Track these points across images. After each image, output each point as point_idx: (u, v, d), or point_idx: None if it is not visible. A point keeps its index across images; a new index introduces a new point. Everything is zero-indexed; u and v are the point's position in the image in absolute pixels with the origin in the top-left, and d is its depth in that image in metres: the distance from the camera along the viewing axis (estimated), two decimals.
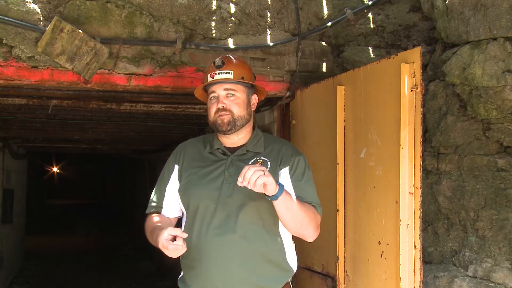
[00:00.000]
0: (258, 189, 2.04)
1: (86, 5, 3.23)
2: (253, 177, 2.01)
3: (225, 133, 2.35)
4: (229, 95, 2.35)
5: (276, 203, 2.15)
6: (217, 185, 2.30)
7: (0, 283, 8.37)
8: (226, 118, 2.32)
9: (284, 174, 2.34)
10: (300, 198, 2.29)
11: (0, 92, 3.74)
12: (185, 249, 2.06)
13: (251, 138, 2.42)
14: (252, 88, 2.45)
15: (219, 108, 2.33)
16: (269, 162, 2.34)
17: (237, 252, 2.23)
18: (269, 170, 2.27)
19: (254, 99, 2.46)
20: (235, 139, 2.40)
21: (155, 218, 2.41)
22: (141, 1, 3.33)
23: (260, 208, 2.26)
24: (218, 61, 2.38)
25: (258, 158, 2.36)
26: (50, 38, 3.09)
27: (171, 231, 2.07)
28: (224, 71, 2.35)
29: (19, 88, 3.52)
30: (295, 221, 2.23)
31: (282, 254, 2.35)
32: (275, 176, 2.27)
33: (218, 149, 2.41)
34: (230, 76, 2.35)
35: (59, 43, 3.10)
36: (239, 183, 2.04)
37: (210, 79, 2.37)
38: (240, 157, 2.37)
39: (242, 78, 2.37)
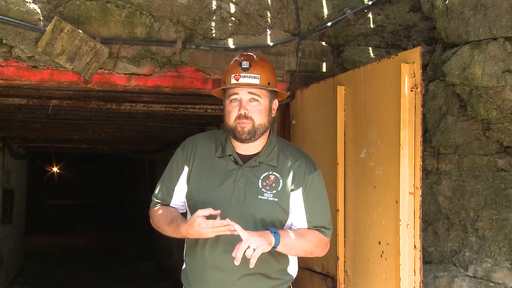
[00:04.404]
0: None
1: (86, 5, 3.24)
2: (247, 256, 2.00)
3: (242, 141, 2.26)
4: (252, 100, 2.23)
5: (277, 249, 2.16)
6: (226, 198, 2.23)
7: (0, 283, 8.36)
8: (247, 127, 2.21)
9: (297, 196, 2.28)
10: (310, 223, 2.29)
11: (0, 92, 3.74)
12: (226, 223, 2.03)
13: (265, 146, 2.31)
14: (274, 93, 2.33)
15: (240, 114, 2.21)
16: (281, 180, 2.27)
17: (238, 268, 2.16)
18: (280, 189, 2.26)
19: (275, 104, 2.33)
20: (250, 146, 2.29)
21: (167, 209, 2.36)
22: (141, 1, 3.33)
23: (267, 227, 2.22)
24: (244, 63, 2.23)
25: (270, 173, 2.28)
26: (50, 38, 3.09)
27: (201, 212, 2.06)
28: (250, 74, 2.22)
29: (19, 88, 3.52)
30: (298, 253, 2.27)
31: (284, 268, 2.33)
32: (286, 196, 2.25)
33: (230, 155, 2.31)
34: (257, 82, 2.22)
35: (59, 43, 3.10)
36: (235, 263, 2.02)
37: (234, 81, 2.22)
38: (252, 168, 2.27)
39: (269, 83, 2.25)
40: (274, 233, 2.12)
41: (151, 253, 11.70)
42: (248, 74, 2.22)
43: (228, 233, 2.05)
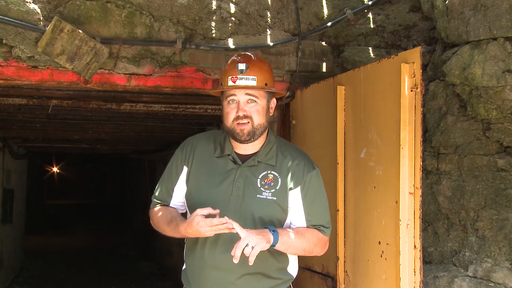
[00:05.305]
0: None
1: (86, 5, 3.24)
2: (246, 254, 2.01)
3: (242, 142, 2.26)
4: (250, 101, 2.23)
5: (275, 248, 2.16)
6: (225, 198, 2.24)
7: (0, 283, 8.37)
8: (247, 128, 2.21)
9: (295, 195, 2.28)
10: (308, 222, 2.29)
11: (0, 92, 3.75)
12: (224, 221, 2.03)
13: (263, 146, 2.31)
14: (272, 92, 2.33)
15: (239, 115, 2.21)
16: (279, 179, 2.27)
17: (238, 268, 2.18)
18: (279, 188, 2.26)
19: (273, 103, 2.34)
20: (248, 146, 2.30)
21: (167, 209, 2.37)
22: (141, 1, 3.33)
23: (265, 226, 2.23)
24: (241, 64, 2.23)
25: (269, 172, 2.28)
26: (50, 38, 3.09)
27: (200, 211, 2.06)
28: (247, 76, 2.21)
29: (19, 88, 3.52)
30: (297, 252, 2.27)
31: (284, 267, 2.34)
32: (284, 195, 2.26)
33: (228, 155, 2.31)
34: (254, 83, 2.22)
35: (59, 43, 3.10)
36: (234, 261, 2.02)
37: (231, 83, 2.22)
38: (251, 168, 2.28)
39: (266, 84, 2.25)
40: (273, 231, 2.13)
41: (151, 253, 11.70)
42: (245, 76, 2.22)
43: (227, 231, 2.05)
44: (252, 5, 3.58)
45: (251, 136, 2.24)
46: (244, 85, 2.22)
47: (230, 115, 2.24)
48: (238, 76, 2.22)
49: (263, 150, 2.32)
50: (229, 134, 2.29)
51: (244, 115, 2.22)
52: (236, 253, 2.01)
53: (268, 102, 2.30)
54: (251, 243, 2.01)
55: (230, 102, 2.25)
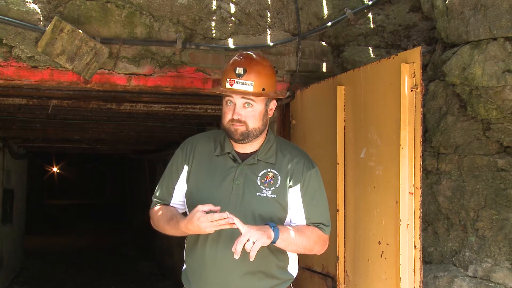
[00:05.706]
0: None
1: (86, 5, 3.24)
2: (246, 249, 2.01)
3: (235, 142, 2.28)
4: (246, 105, 2.23)
5: (276, 244, 2.16)
6: (225, 196, 2.25)
7: (0, 283, 8.37)
8: (240, 129, 2.23)
9: (295, 193, 2.29)
10: (308, 220, 2.30)
11: (0, 92, 3.75)
12: (225, 216, 2.03)
13: (263, 145, 2.32)
14: None
15: (233, 118, 2.22)
16: (279, 177, 2.28)
17: (238, 266, 2.19)
18: (278, 186, 2.27)
19: (273, 104, 2.33)
20: (247, 144, 2.31)
21: (167, 208, 2.38)
22: (141, 1, 3.33)
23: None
24: (239, 69, 2.22)
25: (268, 170, 2.29)
26: (50, 38, 3.09)
27: (201, 207, 2.07)
28: (244, 81, 2.20)
29: (19, 88, 3.52)
30: (298, 250, 2.28)
31: (284, 267, 2.34)
32: (284, 193, 2.26)
33: (228, 153, 2.32)
34: (250, 89, 2.20)
35: (59, 43, 3.10)
36: (235, 256, 2.03)
37: (228, 85, 2.22)
38: (251, 166, 2.29)
39: (263, 89, 2.23)
40: (274, 227, 2.14)
41: (151, 253, 11.70)
42: (242, 81, 2.21)
43: (228, 227, 2.05)
44: (252, 5, 3.58)
45: (244, 137, 2.25)
46: (240, 90, 2.22)
47: (227, 116, 2.27)
48: (235, 80, 2.22)
49: (262, 149, 2.33)
50: (225, 133, 2.31)
51: (238, 119, 2.23)
52: (237, 248, 2.01)
53: (267, 105, 2.30)
54: (252, 239, 2.02)
55: (228, 103, 2.27)
